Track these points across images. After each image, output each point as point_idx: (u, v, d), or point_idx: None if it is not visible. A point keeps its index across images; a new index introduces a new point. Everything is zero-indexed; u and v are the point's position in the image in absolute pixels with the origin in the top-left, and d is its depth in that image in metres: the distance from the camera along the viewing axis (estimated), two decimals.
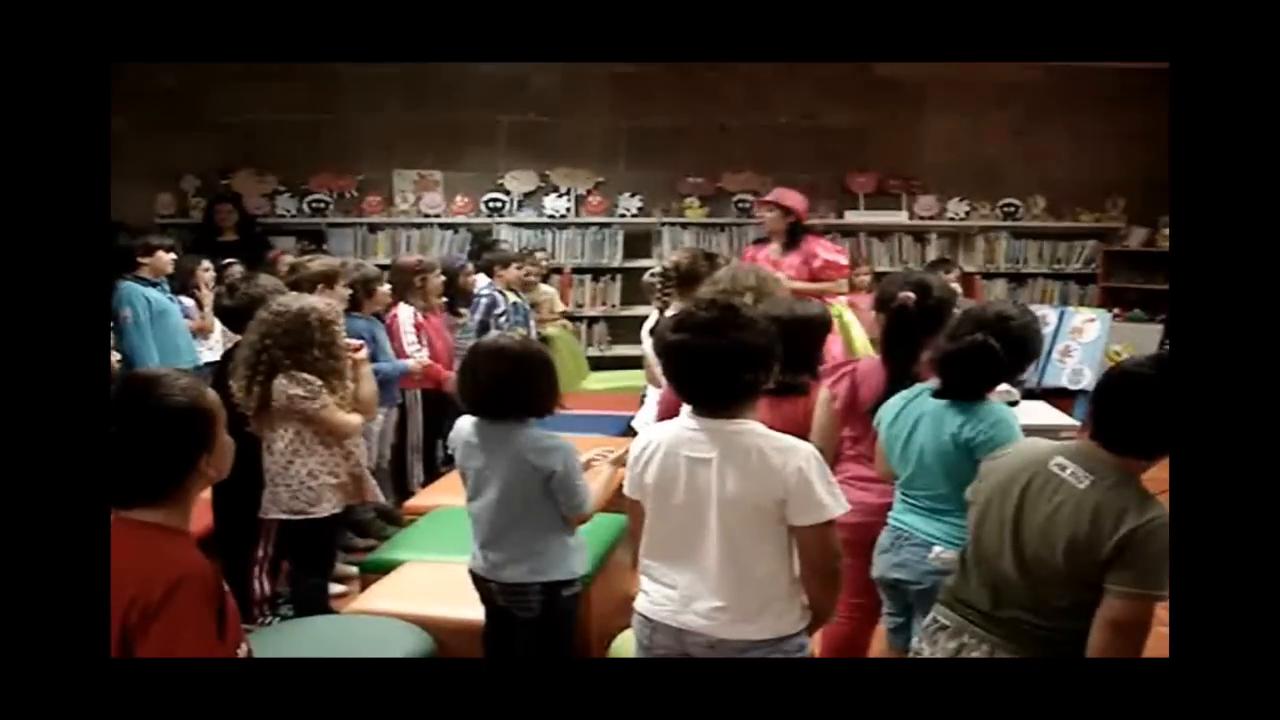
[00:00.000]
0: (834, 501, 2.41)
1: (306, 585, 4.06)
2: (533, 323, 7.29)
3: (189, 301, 6.68)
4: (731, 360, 2.43)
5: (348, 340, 4.12)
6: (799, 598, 2.52)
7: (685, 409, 2.55)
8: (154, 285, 6.21)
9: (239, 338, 4.25)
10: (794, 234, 6.24)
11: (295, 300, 4.03)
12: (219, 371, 4.42)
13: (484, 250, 8.06)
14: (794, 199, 6.47)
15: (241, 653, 1.95)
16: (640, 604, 2.62)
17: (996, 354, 2.91)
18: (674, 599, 2.53)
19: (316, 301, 4.07)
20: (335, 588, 4.57)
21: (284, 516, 3.97)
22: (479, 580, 3.27)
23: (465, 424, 3.27)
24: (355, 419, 4.06)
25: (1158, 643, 2.22)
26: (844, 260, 6.35)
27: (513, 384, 3.16)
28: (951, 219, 9.57)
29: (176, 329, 6.22)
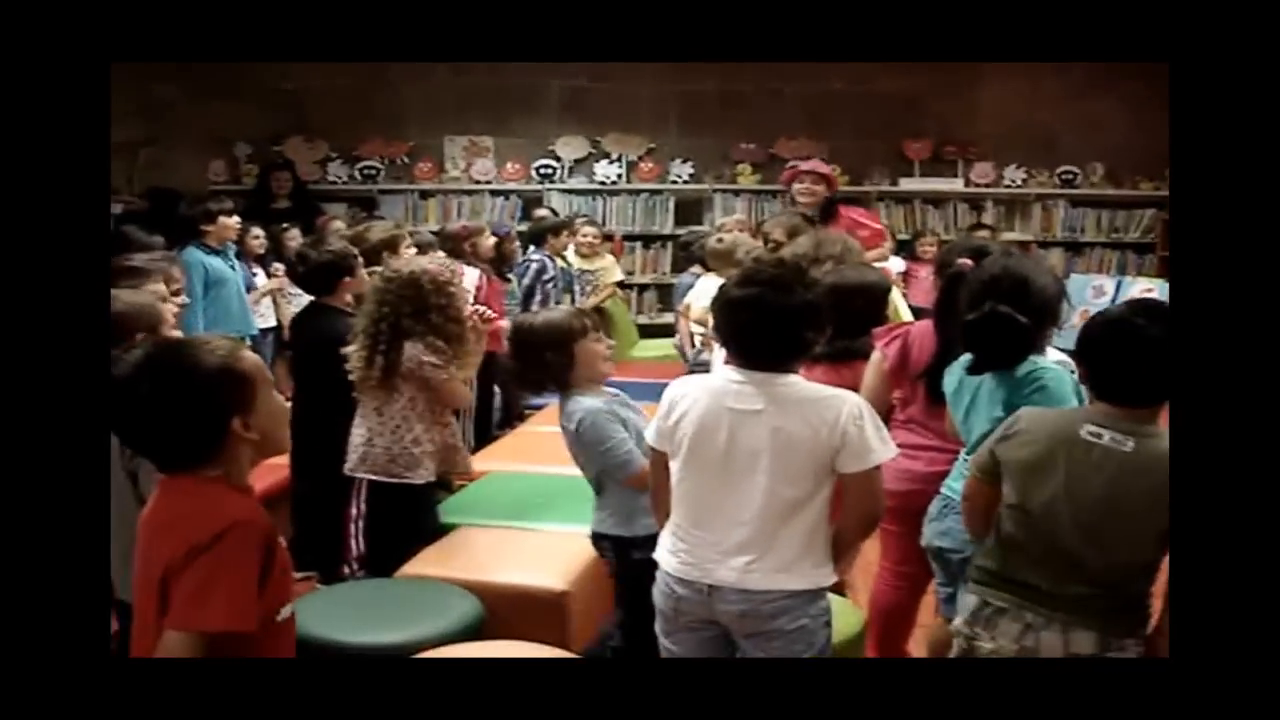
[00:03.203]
0: (884, 447, 2.47)
1: (391, 550, 3.97)
2: (578, 289, 7.30)
3: (259, 272, 6.77)
4: (798, 317, 2.50)
5: (479, 308, 4.14)
6: (829, 550, 2.56)
7: (719, 362, 2.56)
8: (218, 253, 6.24)
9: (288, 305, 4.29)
10: (828, 206, 5.99)
11: (405, 264, 4.05)
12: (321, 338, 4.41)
13: (528, 217, 8.10)
14: (826, 169, 6.28)
15: (285, 612, 1.95)
16: (666, 562, 2.62)
17: (1013, 320, 2.79)
18: (705, 555, 2.52)
19: (426, 263, 4.08)
20: None
21: (373, 477, 3.98)
22: None
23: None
24: (468, 391, 4.09)
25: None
26: (880, 226, 6.26)
27: (522, 362, 3.32)
28: (1008, 186, 9.43)
29: (231, 297, 6.23)
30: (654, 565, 2.66)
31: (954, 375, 3.08)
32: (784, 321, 2.48)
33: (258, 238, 6.96)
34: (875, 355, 3.43)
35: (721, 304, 2.62)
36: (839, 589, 3.19)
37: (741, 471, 2.48)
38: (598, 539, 3.30)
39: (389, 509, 4.05)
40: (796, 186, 6.00)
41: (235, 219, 6.39)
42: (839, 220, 5.84)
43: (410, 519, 4.09)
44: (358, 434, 4.02)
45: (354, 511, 4.23)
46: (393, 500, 4.01)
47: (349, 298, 4.51)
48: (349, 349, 3.95)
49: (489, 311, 4.29)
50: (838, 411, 2.43)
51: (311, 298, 4.70)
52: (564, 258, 7.27)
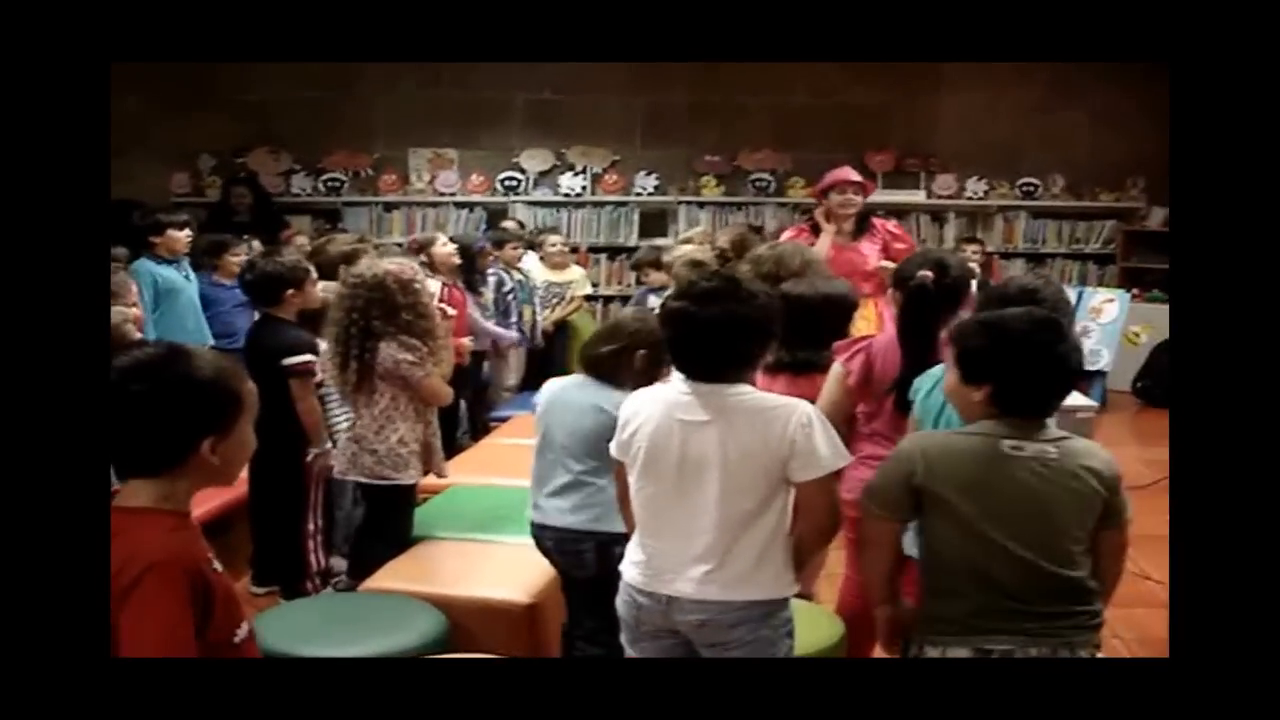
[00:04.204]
0: (834, 455, 2.44)
1: (376, 553, 3.97)
2: (537, 301, 7.31)
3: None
4: (730, 330, 2.46)
5: (441, 307, 4.15)
6: (791, 561, 2.53)
7: (676, 375, 2.56)
8: (171, 263, 6.18)
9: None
10: (863, 217, 5.73)
11: (368, 267, 4.05)
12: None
13: (490, 228, 8.10)
14: (860, 176, 5.93)
15: (242, 634, 1.92)
16: (628, 573, 2.62)
17: None
18: (663, 566, 2.52)
19: (389, 264, 4.08)
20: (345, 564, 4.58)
21: (365, 481, 3.99)
22: (538, 532, 3.34)
23: (556, 382, 3.39)
24: (448, 388, 4.13)
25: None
26: (912, 240, 6.15)
27: (616, 352, 3.26)
28: (970, 198, 9.51)
29: (187, 308, 6.16)
30: None
31: (930, 377, 3.10)
32: (715, 335, 2.46)
33: (237, 255, 6.86)
34: (836, 369, 3.42)
35: (660, 318, 2.65)
36: (805, 599, 3.19)
37: (694, 483, 2.47)
38: (576, 539, 3.24)
39: (380, 511, 4.06)
40: (835, 198, 5.65)
41: (186, 232, 6.30)
42: (875, 232, 5.70)
43: (400, 521, 4.10)
44: (343, 438, 4.02)
45: (311, 526, 4.23)
46: (383, 502, 4.03)
47: (295, 312, 4.45)
48: (300, 357, 3.95)
49: (450, 309, 4.30)
50: (786, 420, 2.42)
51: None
52: (520, 269, 7.28)
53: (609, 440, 2.80)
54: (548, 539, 3.30)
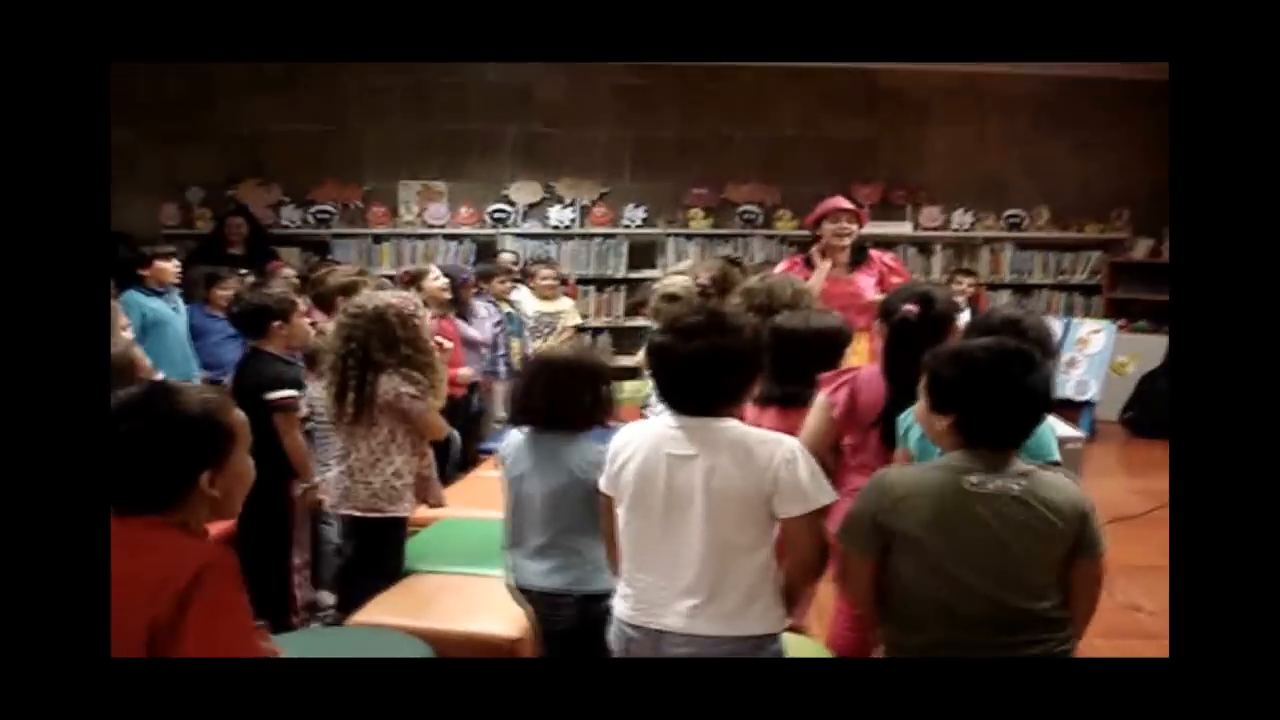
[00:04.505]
0: (819, 492, 2.43)
1: (366, 587, 3.94)
2: (527, 333, 7.32)
3: None
4: (714, 364, 2.47)
5: (438, 340, 4.17)
6: (780, 595, 2.53)
7: (665, 410, 2.57)
8: (159, 295, 6.20)
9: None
10: (859, 248, 5.72)
11: (368, 299, 4.05)
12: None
13: (481, 260, 8.13)
14: (852, 205, 5.91)
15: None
16: (618, 608, 2.62)
17: None
18: (652, 599, 2.52)
19: (390, 297, 4.09)
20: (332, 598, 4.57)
21: (358, 514, 3.98)
22: (521, 593, 3.32)
23: (517, 435, 3.33)
24: (444, 422, 4.13)
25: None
26: (907, 273, 6.13)
27: (562, 396, 3.23)
28: (956, 230, 9.56)
29: (174, 340, 6.19)
30: (609, 614, 2.65)
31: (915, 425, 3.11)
32: (700, 369, 2.46)
33: (225, 288, 6.86)
34: (821, 399, 3.42)
35: (647, 350, 2.65)
36: (796, 632, 3.18)
37: (680, 516, 2.47)
38: (557, 596, 3.21)
39: (370, 545, 4.04)
40: (829, 227, 5.62)
41: (174, 263, 6.36)
42: (872, 264, 5.67)
43: (391, 554, 4.08)
44: (335, 471, 4.02)
45: (297, 561, 4.22)
46: (374, 535, 4.01)
47: (283, 344, 4.47)
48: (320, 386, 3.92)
49: (447, 342, 4.31)
50: (770, 455, 2.42)
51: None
52: (510, 301, 7.29)
53: (580, 499, 2.83)
54: (530, 599, 3.29)
